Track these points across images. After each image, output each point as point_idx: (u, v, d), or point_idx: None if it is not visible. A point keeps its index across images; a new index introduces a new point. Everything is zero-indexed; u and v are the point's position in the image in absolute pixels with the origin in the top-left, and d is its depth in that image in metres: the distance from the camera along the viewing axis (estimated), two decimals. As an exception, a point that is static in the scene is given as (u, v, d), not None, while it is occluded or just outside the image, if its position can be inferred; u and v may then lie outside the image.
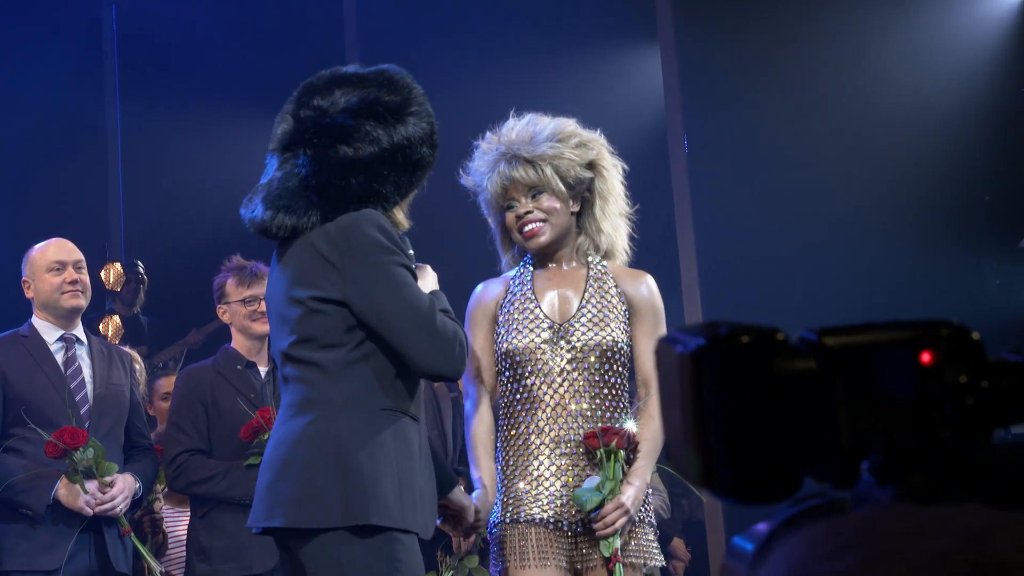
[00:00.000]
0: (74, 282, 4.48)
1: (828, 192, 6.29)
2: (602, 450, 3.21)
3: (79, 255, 4.58)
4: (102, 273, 7.11)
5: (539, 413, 3.29)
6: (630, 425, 3.29)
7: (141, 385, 5.07)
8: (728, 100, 6.68)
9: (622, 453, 3.22)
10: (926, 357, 0.70)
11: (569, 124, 3.41)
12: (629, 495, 3.21)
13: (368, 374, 2.80)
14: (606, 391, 3.30)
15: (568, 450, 3.26)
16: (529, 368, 3.31)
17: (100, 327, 6.80)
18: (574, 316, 3.34)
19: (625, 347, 3.35)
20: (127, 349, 4.99)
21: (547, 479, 3.25)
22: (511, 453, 3.32)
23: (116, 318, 7.06)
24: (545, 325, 3.33)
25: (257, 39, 7.88)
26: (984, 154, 6.16)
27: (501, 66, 6.98)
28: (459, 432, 4.96)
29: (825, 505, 0.76)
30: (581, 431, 3.26)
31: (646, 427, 3.31)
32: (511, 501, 3.28)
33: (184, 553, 4.67)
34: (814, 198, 6.29)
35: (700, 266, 6.55)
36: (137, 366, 4.93)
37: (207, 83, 7.92)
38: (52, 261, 4.49)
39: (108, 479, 4.29)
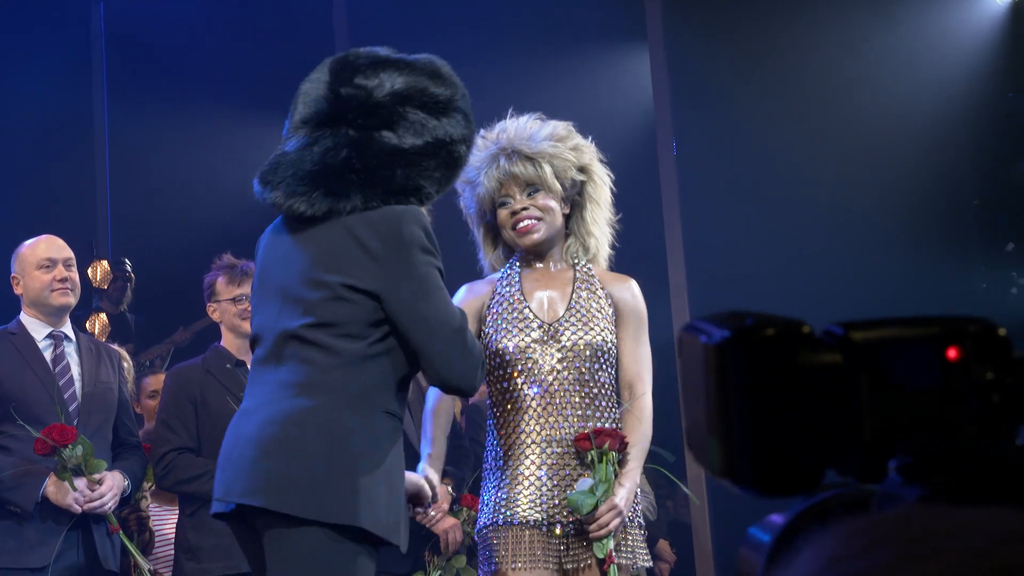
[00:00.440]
0: (64, 280, 4.46)
1: (816, 194, 6.30)
2: (594, 452, 3.21)
3: (69, 252, 4.56)
4: (89, 271, 7.08)
5: (529, 413, 3.28)
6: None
7: (129, 383, 5.05)
8: (717, 102, 6.70)
9: (615, 455, 3.22)
10: (953, 353, 0.70)
11: (563, 126, 3.42)
12: (621, 496, 3.21)
13: (380, 371, 2.72)
14: (596, 390, 3.30)
15: (558, 450, 3.25)
16: (519, 368, 3.30)
17: (87, 325, 6.78)
18: (563, 316, 3.34)
19: (613, 347, 3.35)
20: (115, 347, 4.98)
21: (537, 479, 3.24)
22: (500, 453, 3.31)
23: (103, 316, 7.04)
24: (535, 325, 3.33)
25: (246, 37, 7.87)
26: (973, 158, 6.19)
27: (490, 66, 6.97)
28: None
29: (846, 498, 0.76)
30: (572, 430, 3.25)
31: (634, 430, 3.31)
32: (501, 502, 3.26)
33: (172, 551, 4.66)
34: (802, 200, 6.31)
35: (688, 267, 6.57)
36: (125, 364, 4.91)
37: (195, 81, 7.91)
38: (42, 258, 4.47)
39: (97, 476, 4.27)
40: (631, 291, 3.43)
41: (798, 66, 6.52)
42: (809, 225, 6.28)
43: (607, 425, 3.27)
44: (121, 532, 4.44)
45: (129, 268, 7.45)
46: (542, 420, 3.27)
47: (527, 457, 3.27)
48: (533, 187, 3.35)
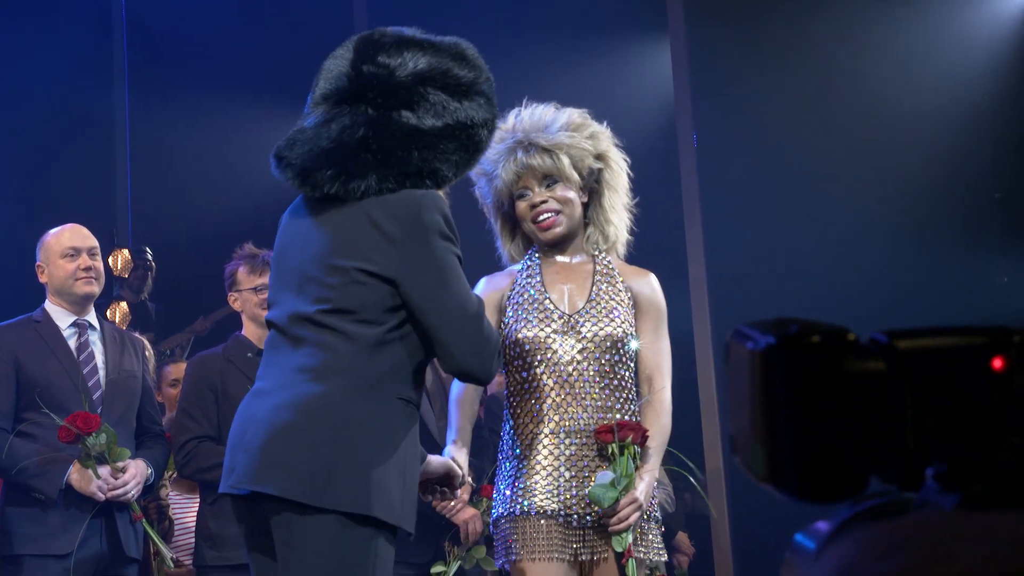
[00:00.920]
0: (88, 268, 4.48)
1: (837, 188, 6.29)
2: (615, 444, 3.21)
3: (94, 241, 4.57)
4: (110, 259, 7.10)
5: (547, 403, 3.28)
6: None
7: (151, 372, 5.08)
8: (738, 94, 6.68)
9: (636, 448, 3.22)
10: (998, 363, 0.70)
11: (578, 114, 3.42)
12: (641, 490, 3.21)
13: (396, 358, 2.69)
14: (616, 382, 3.30)
15: (576, 441, 3.26)
16: (538, 358, 3.30)
17: (107, 313, 6.81)
18: (584, 308, 3.34)
19: (632, 339, 3.35)
20: (138, 335, 5.00)
21: (555, 470, 3.24)
22: (517, 443, 3.31)
23: (123, 304, 7.07)
24: (556, 316, 3.33)
25: (266, 28, 7.88)
26: (994, 151, 6.17)
27: (511, 59, 6.95)
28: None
29: (885, 506, 0.76)
30: (590, 422, 3.25)
31: (653, 423, 3.32)
32: (519, 492, 3.26)
33: (193, 540, 4.68)
34: (823, 194, 6.30)
35: (708, 261, 6.55)
36: (148, 353, 4.94)
37: (215, 71, 7.92)
38: (67, 247, 4.49)
39: (120, 464, 4.29)
40: (651, 285, 3.43)
41: (820, 59, 6.50)
42: (829, 219, 6.27)
43: (625, 417, 3.28)
44: (144, 520, 4.46)
45: (150, 257, 7.48)
46: (560, 411, 3.27)
47: (544, 447, 3.27)
48: (551, 179, 3.34)
